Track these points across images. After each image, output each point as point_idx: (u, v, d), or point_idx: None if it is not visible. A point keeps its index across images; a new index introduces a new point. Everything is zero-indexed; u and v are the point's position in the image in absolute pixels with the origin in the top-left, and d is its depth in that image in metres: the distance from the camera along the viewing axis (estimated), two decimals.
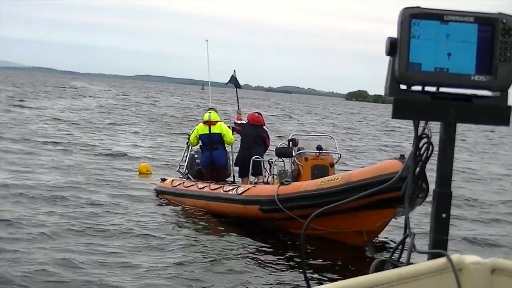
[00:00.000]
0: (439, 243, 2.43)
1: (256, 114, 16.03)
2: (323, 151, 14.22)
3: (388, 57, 2.44)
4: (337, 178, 12.34)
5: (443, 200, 2.46)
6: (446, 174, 2.47)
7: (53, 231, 11.85)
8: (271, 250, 11.91)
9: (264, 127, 15.74)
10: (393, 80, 2.42)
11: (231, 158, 16.43)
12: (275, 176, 14.33)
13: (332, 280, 9.56)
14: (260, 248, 11.99)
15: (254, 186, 14.10)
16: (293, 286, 9.91)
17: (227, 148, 16.32)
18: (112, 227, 12.61)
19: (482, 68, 2.39)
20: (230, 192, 14.08)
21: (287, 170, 14.29)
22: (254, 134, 15.42)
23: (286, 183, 13.17)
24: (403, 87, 2.43)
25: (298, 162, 14.11)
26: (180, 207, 15.03)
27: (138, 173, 20.24)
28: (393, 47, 2.40)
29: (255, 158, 15.09)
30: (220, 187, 14.49)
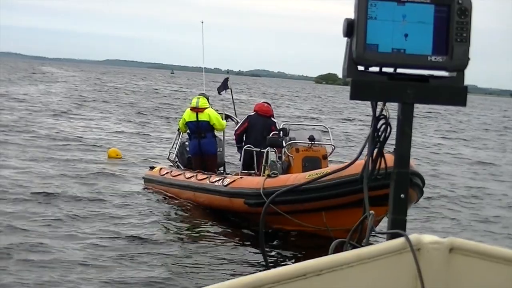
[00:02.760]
0: (397, 223, 2.44)
1: (266, 104, 14.93)
2: (316, 142, 13.34)
3: (343, 39, 2.44)
4: (327, 172, 11.14)
5: (402, 180, 2.48)
6: (404, 155, 2.48)
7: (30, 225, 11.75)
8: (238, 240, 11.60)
9: (273, 118, 14.64)
10: (351, 61, 2.42)
11: (223, 145, 15.63)
12: (267, 168, 13.35)
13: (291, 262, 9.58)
14: (228, 239, 11.69)
15: (241, 177, 13.30)
16: (253, 270, 9.82)
17: (218, 135, 15.45)
18: (91, 216, 12.49)
19: (439, 49, 2.40)
20: (216, 184, 13.33)
21: (278, 161, 13.34)
22: (262, 126, 14.24)
23: (273, 175, 12.35)
24: (360, 68, 2.43)
25: (289, 154, 13.30)
26: (166, 197, 14.50)
27: (107, 157, 19.97)
28: (350, 28, 2.40)
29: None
30: (207, 177, 13.72)
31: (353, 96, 2.43)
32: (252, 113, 14.60)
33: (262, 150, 13.56)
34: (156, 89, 77.38)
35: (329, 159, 13.55)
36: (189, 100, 17.88)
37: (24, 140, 22.04)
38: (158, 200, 14.40)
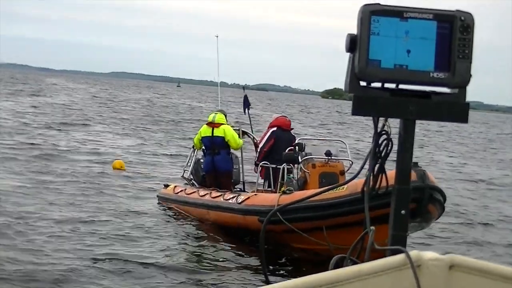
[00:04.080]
0: (398, 239, 2.44)
1: (287, 118, 14.66)
2: (333, 157, 12.86)
3: (347, 54, 2.45)
4: (343, 188, 10.89)
5: (402, 197, 2.47)
6: (405, 170, 2.48)
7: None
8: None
9: (292, 131, 14.38)
10: (353, 76, 2.42)
11: (240, 163, 15.14)
12: (283, 184, 13.02)
13: (292, 277, 9.47)
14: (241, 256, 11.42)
15: (255, 194, 12.92)
16: (254, 285, 9.76)
17: (235, 152, 14.96)
18: (106, 230, 12.30)
19: (441, 65, 2.40)
20: (230, 201, 12.91)
21: (293, 177, 12.97)
22: (288, 141, 13.82)
23: (288, 192, 11.91)
24: (363, 83, 2.44)
25: (305, 169, 12.81)
26: (181, 215, 14.09)
27: (112, 168, 19.86)
28: (353, 43, 2.41)
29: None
30: (221, 195, 13.30)
31: (355, 112, 2.43)
32: (275, 128, 14.18)
33: (278, 167, 13.30)
34: (163, 101, 77.50)
35: (346, 174, 13.08)
36: (203, 113, 17.64)
37: (27, 151, 22.02)
38: (171, 219, 14.01)
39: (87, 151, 24.01)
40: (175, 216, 14.12)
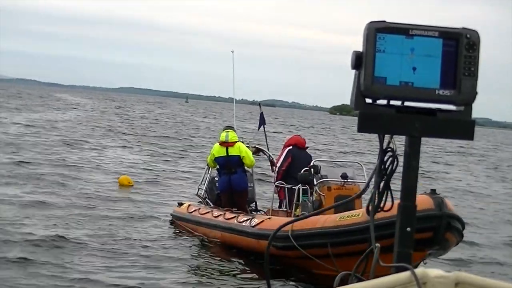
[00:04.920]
0: (403, 256, 2.43)
1: (301, 136, 14.52)
2: (349, 180, 12.60)
3: (353, 71, 2.46)
4: (358, 214, 10.71)
5: (408, 214, 2.47)
6: (411, 188, 2.47)
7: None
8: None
9: (308, 150, 14.17)
10: (359, 93, 2.43)
11: (253, 181, 14.93)
12: (299, 206, 12.84)
13: None
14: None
15: (269, 218, 12.65)
16: None
17: (249, 170, 14.75)
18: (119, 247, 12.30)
19: (447, 83, 2.41)
20: (244, 224, 12.69)
21: (308, 200, 12.74)
22: (305, 160, 13.62)
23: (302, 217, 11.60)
24: (368, 100, 2.44)
25: (320, 192, 12.54)
26: (193, 237, 13.83)
27: (119, 184, 19.81)
28: (358, 60, 2.42)
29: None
30: (235, 216, 13.09)
31: (361, 129, 2.44)
32: (291, 147, 13.98)
33: (293, 187, 13.11)
34: (173, 115, 77.60)
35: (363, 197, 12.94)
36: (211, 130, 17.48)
37: (35, 167, 22.02)
38: (184, 241, 13.70)
39: (93, 166, 23.97)
40: (188, 238, 13.83)
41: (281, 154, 14.05)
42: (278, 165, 13.92)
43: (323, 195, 12.50)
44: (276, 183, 13.64)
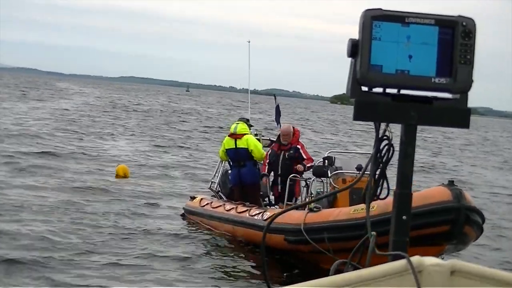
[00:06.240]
0: (399, 244, 2.43)
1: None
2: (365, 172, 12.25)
3: (349, 59, 2.45)
4: (372, 207, 10.29)
5: (403, 202, 2.47)
6: (406, 176, 2.47)
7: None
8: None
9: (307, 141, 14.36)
10: (355, 81, 2.42)
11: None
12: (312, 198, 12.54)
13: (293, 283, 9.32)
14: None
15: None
16: None
17: (260, 163, 14.17)
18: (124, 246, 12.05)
19: (443, 71, 2.40)
20: (255, 217, 12.41)
21: (322, 192, 12.41)
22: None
23: (315, 210, 11.29)
24: (364, 88, 2.43)
25: (334, 184, 12.18)
26: (205, 231, 13.69)
27: (115, 175, 19.31)
28: (354, 48, 2.41)
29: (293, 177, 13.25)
30: (247, 210, 12.82)
31: (357, 117, 2.43)
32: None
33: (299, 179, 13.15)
34: (174, 105, 77.45)
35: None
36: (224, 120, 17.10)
37: (36, 158, 21.95)
38: (197, 235, 13.51)
39: (92, 157, 23.72)
40: (200, 231, 13.69)
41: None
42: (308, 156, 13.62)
43: (338, 188, 12.19)
44: (290, 176, 13.18)
